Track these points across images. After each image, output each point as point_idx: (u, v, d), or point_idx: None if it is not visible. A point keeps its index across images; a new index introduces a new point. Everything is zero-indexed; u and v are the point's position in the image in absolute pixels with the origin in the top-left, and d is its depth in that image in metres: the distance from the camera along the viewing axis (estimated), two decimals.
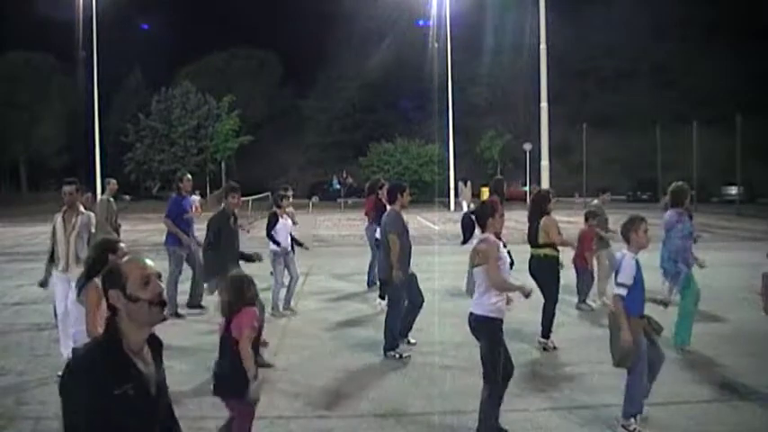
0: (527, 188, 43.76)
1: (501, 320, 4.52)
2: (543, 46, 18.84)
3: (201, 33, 54.01)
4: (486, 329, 4.49)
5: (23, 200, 46.63)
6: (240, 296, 4.08)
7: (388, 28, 49.36)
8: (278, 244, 8.57)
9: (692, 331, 7.02)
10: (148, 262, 2.21)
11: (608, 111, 47.34)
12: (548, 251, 7.16)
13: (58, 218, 6.71)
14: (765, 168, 32.25)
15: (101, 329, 2.61)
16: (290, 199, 9.24)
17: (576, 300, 8.86)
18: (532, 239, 7.30)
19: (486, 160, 47.63)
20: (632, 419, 4.68)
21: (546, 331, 7.01)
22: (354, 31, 51.22)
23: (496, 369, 4.49)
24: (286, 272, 8.75)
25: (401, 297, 6.75)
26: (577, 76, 50.15)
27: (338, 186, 43.65)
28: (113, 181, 10.63)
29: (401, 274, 6.60)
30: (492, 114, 48.50)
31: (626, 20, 47.13)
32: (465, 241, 4.87)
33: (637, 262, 4.73)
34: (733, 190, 32.29)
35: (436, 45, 38.76)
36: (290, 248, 8.79)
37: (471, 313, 4.57)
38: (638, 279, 4.70)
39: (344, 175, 43.88)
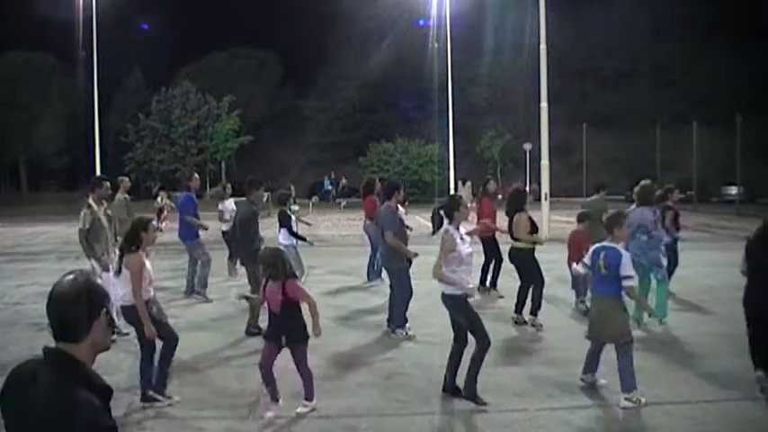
0: (527, 188, 43.79)
1: (464, 295, 5.27)
2: (543, 46, 18.78)
3: (201, 33, 53.98)
4: (454, 304, 5.29)
5: (23, 200, 46.60)
6: (282, 267, 5.00)
7: (388, 28, 49.32)
8: (301, 239, 9.38)
9: (693, 331, 7.29)
10: None
11: (608, 111, 47.34)
12: (523, 244, 7.84)
13: (100, 215, 7.24)
14: (765, 168, 32.23)
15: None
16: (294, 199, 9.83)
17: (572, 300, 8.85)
18: (512, 233, 7.96)
19: (486, 160, 47.62)
20: (635, 391, 5.14)
21: (534, 309, 7.74)
22: (354, 31, 51.21)
23: (482, 329, 5.24)
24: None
25: (404, 280, 7.32)
26: (577, 76, 50.13)
27: (329, 188, 43.09)
28: (126, 179, 10.64)
29: (410, 253, 7.32)
30: (492, 114, 48.47)
31: (626, 20, 47.14)
32: (434, 233, 5.66)
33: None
34: (733, 190, 32.28)
35: (436, 45, 38.75)
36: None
37: (442, 293, 5.36)
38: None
39: (332, 176, 43.16)
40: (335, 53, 54.14)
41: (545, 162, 18.60)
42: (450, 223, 5.39)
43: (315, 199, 39.89)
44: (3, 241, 19.69)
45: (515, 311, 7.87)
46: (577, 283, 8.67)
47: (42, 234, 20.95)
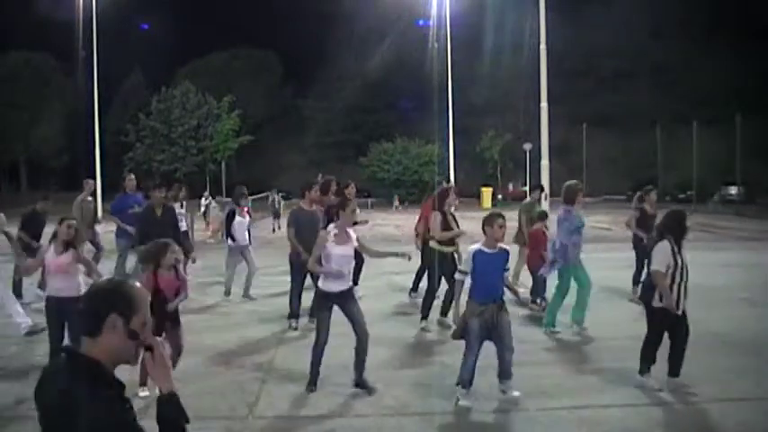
0: (527, 188, 43.88)
1: (323, 293, 5.53)
2: (543, 46, 18.80)
3: (201, 33, 54.13)
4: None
5: (23, 200, 46.53)
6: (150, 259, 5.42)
7: (388, 28, 49.37)
8: (233, 240, 9.54)
9: (693, 331, 7.12)
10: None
11: (608, 111, 47.40)
12: (433, 243, 7.80)
13: None
14: (765, 168, 32.27)
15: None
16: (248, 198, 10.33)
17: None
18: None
19: (486, 160, 47.65)
20: (459, 386, 5.18)
21: (424, 311, 7.72)
22: (354, 31, 51.29)
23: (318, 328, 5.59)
24: (243, 263, 9.68)
25: (297, 275, 7.83)
26: (577, 76, 50.18)
27: None
28: (91, 181, 11.38)
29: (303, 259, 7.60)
30: (492, 114, 48.52)
31: (626, 20, 47.19)
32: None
33: (482, 254, 5.27)
34: (733, 190, 32.33)
35: (436, 45, 38.71)
36: (247, 243, 9.64)
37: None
38: (483, 270, 5.23)
39: (319, 178, 41.86)
40: (335, 53, 54.21)
41: (545, 162, 18.65)
42: (335, 223, 5.69)
43: None
44: (3, 241, 19.67)
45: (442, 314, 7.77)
46: (537, 283, 8.69)
47: (44, 234, 20.92)
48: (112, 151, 45.19)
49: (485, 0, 42.61)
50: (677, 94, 46.45)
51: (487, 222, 5.31)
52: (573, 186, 7.79)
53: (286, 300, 9.26)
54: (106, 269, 9.12)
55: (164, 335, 5.34)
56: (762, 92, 37.63)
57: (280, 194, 25.22)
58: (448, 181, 9.79)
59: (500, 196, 41.22)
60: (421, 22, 42.49)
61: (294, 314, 7.82)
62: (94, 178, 27.45)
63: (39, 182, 54.49)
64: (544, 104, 18.81)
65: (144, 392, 5.25)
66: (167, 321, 5.36)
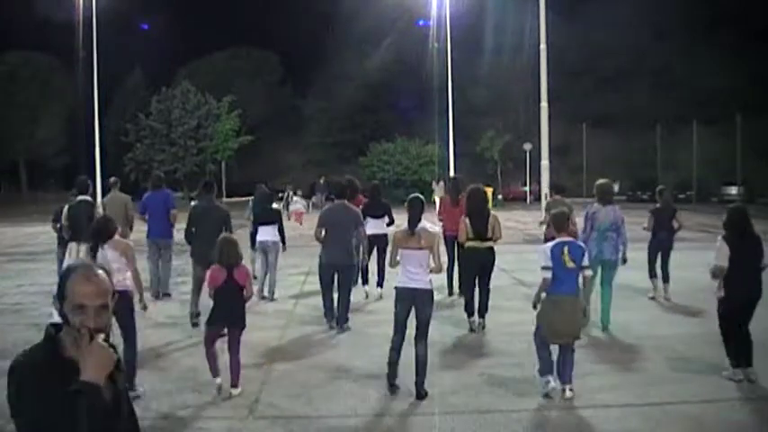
0: (527, 188, 43.88)
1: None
2: (543, 46, 18.83)
3: (201, 33, 54.11)
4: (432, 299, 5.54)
5: (23, 200, 46.58)
6: (236, 254, 5.50)
7: (388, 28, 49.34)
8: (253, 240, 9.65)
9: (691, 331, 7.38)
10: (99, 286, 1.99)
11: (608, 111, 47.33)
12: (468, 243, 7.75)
13: None
14: (765, 168, 32.25)
15: None
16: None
17: None
18: (485, 233, 7.60)
19: (486, 160, 47.62)
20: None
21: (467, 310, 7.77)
22: (354, 31, 51.23)
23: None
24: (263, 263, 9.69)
25: (322, 276, 7.87)
26: (577, 75, 50.11)
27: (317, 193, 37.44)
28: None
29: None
30: (492, 114, 48.45)
31: (626, 20, 47.12)
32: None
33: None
34: (733, 190, 32.29)
35: (436, 45, 38.72)
36: (270, 243, 9.46)
37: (416, 289, 5.42)
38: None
39: (321, 181, 37.87)
40: (335, 53, 54.15)
41: (545, 162, 18.67)
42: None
43: (315, 199, 39.62)
44: (3, 241, 19.68)
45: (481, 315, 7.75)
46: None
47: (42, 234, 20.90)
48: (112, 151, 45.15)
49: (485, 0, 42.62)
50: (677, 94, 46.35)
51: (568, 221, 5.64)
52: (607, 186, 7.74)
53: (290, 299, 9.22)
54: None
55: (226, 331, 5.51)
56: (762, 92, 37.57)
57: (292, 191, 27.19)
58: (454, 177, 9.80)
59: (500, 196, 41.19)
60: (421, 22, 42.53)
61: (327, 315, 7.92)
62: (95, 178, 27.58)
63: (39, 182, 54.48)
64: (544, 104, 18.84)
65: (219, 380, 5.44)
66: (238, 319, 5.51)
